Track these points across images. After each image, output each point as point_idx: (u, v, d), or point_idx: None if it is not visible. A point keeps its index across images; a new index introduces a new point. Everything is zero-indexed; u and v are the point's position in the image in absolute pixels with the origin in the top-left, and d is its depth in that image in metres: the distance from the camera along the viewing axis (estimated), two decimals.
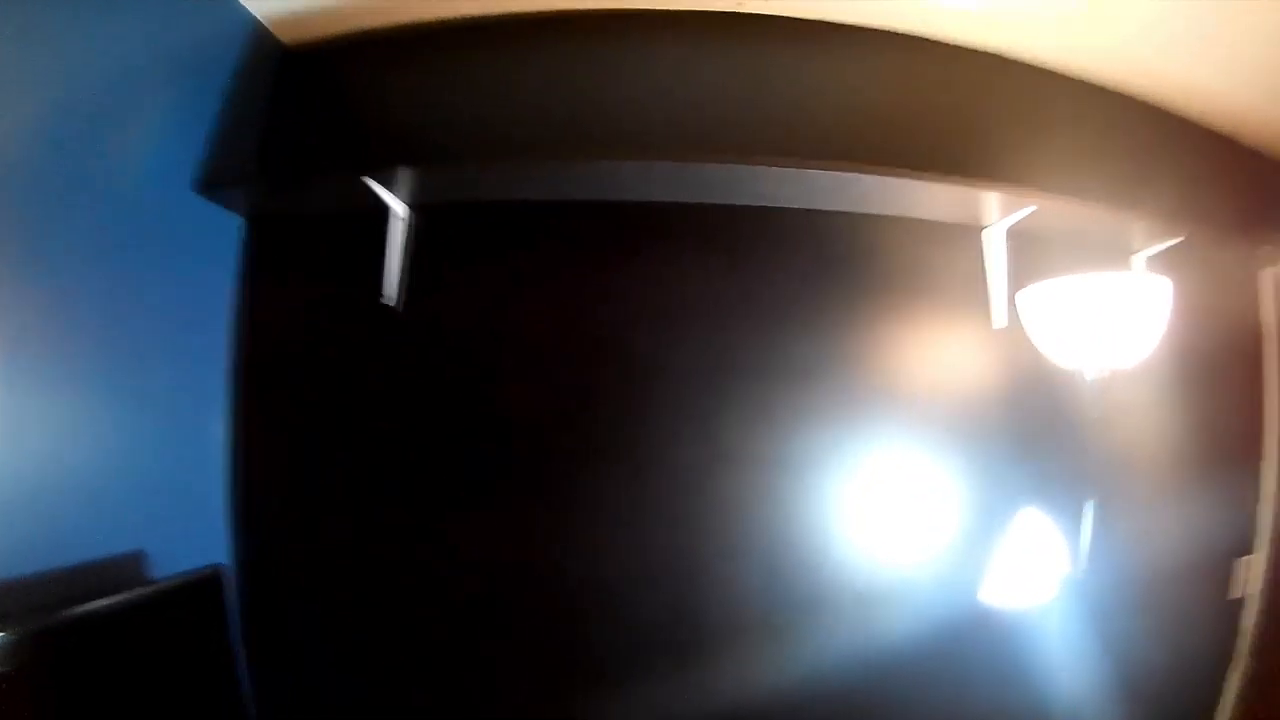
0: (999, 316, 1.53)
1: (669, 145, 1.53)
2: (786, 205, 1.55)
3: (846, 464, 1.48)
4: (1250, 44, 1.58)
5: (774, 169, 1.38)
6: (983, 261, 1.55)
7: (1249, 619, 2.00)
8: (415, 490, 1.48)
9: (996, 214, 1.54)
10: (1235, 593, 1.94)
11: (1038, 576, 1.46)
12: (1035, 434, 1.55)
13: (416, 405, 1.51)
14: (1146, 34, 1.60)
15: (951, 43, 1.73)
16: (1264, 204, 2.04)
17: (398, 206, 1.50)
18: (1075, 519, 1.47)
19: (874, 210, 1.55)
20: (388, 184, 1.43)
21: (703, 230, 1.54)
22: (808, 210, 1.55)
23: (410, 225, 1.53)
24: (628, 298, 1.52)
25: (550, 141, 1.56)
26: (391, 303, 1.53)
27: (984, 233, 1.56)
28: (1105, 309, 1.35)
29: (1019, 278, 1.53)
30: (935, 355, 1.54)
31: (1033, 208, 1.49)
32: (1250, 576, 1.97)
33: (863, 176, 1.40)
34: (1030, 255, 1.57)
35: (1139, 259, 1.66)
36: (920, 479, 1.49)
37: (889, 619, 1.48)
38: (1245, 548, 1.95)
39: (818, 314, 1.53)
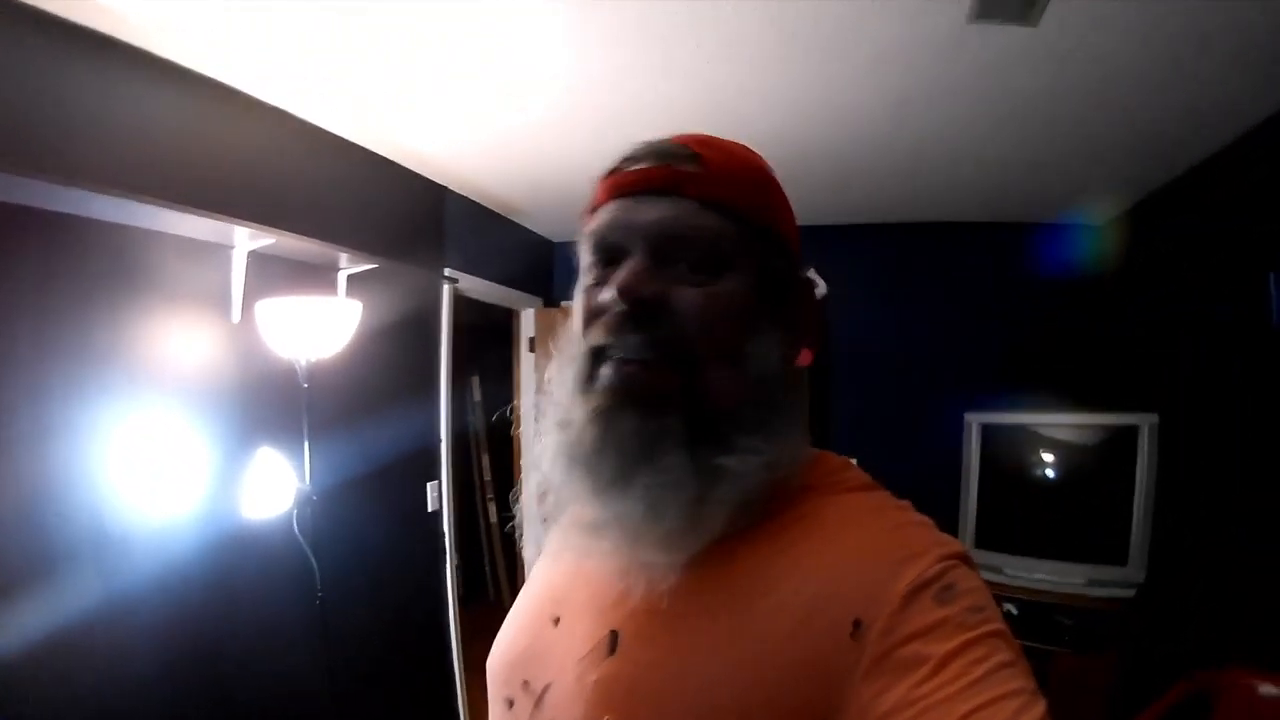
0: (236, 314, 2.04)
1: None
2: (70, 211, 1.63)
3: (118, 431, 1.70)
4: (453, 117, 2.41)
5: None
6: (230, 272, 2.08)
7: (445, 523, 3.05)
8: None
9: (245, 240, 2.08)
10: (431, 507, 2.96)
11: (277, 493, 2.05)
12: (264, 396, 2.11)
13: None
14: (378, 102, 2.27)
15: (244, 93, 2.12)
16: (449, 238, 3.12)
17: None
18: (298, 452, 2.13)
19: (147, 226, 1.81)
20: None
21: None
22: (96, 220, 1.68)
23: None
24: None
25: None
26: None
27: (232, 252, 2.09)
28: (313, 320, 2.05)
29: (260, 285, 2.11)
30: (187, 341, 1.92)
31: (273, 240, 2.10)
32: (438, 495, 3.02)
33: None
34: (270, 268, 2.17)
35: (343, 276, 2.47)
36: (179, 435, 1.87)
37: (172, 545, 1.82)
38: (433, 474, 3.00)
39: (98, 309, 1.69)
